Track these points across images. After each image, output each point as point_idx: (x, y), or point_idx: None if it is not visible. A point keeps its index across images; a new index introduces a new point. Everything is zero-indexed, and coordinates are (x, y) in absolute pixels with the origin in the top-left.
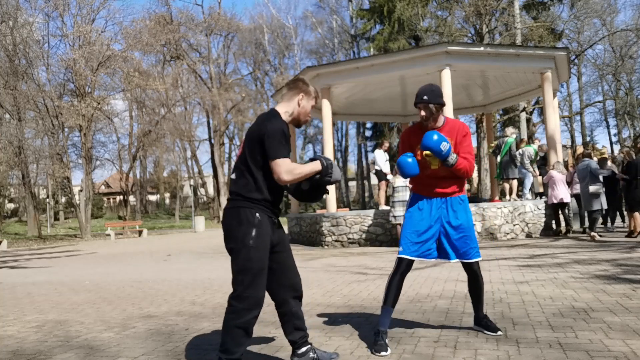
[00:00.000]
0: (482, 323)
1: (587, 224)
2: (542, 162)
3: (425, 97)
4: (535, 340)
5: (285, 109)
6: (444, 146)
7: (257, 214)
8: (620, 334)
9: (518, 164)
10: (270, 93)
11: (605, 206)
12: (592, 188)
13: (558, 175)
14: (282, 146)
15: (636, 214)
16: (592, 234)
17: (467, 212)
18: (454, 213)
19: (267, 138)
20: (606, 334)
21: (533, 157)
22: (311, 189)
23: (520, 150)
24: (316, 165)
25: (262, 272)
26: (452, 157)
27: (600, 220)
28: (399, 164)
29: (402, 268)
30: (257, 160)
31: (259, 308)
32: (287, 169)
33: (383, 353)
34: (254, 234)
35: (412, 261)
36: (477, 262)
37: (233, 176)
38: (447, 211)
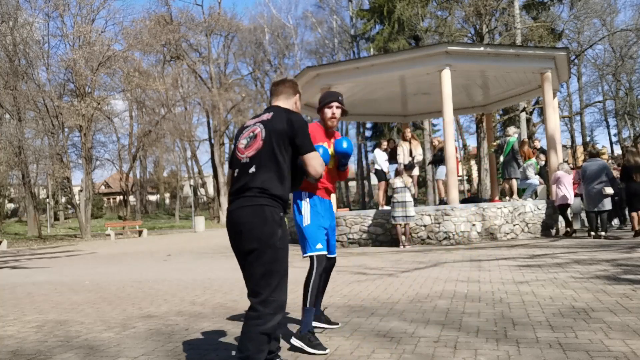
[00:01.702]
0: (322, 318)
1: (598, 223)
2: (543, 164)
3: (340, 98)
4: (535, 340)
5: (287, 107)
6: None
7: (281, 213)
8: (620, 334)
9: (521, 176)
10: None
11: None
12: (608, 189)
13: (565, 175)
14: (311, 140)
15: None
16: (603, 233)
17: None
18: (333, 212)
19: (300, 132)
20: (606, 334)
21: (537, 169)
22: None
23: (522, 167)
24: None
25: (287, 274)
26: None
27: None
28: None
29: (324, 263)
30: (282, 154)
31: (283, 312)
32: (320, 161)
33: (328, 350)
34: (279, 233)
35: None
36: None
37: (252, 169)
38: (330, 212)
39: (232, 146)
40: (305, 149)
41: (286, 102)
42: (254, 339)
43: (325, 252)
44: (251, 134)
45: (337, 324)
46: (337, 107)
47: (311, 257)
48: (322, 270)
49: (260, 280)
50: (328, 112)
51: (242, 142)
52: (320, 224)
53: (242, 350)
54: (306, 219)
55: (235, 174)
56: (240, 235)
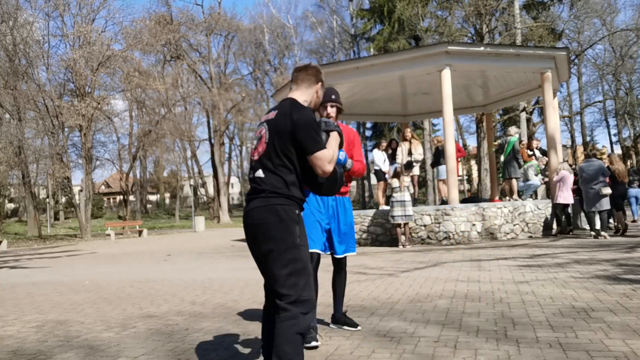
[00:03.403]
0: (341, 320)
1: (597, 224)
2: (544, 167)
3: (333, 97)
4: (535, 340)
5: (304, 98)
6: (342, 155)
7: (297, 210)
8: (621, 333)
9: (522, 178)
10: (270, 93)
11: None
12: (605, 189)
13: (569, 176)
14: (318, 137)
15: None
16: (603, 233)
17: (352, 211)
18: (344, 212)
19: (299, 131)
20: (606, 334)
21: (537, 170)
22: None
23: (523, 168)
24: (336, 137)
25: (310, 271)
26: (349, 163)
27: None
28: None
29: (314, 263)
30: (288, 155)
31: (314, 309)
32: (329, 159)
33: (313, 343)
34: (298, 231)
35: (320, 255)
36: (347, 257)
37: (260, 173)
38: (338, 210)
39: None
40: (309, 149)
41: (306, 91)
42: (292, 340)
43: (317, 251)
44: (259, 134)
45: (358, 326)
46: (332, 107)
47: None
48: (314, 268)
49: (286, 281)
50: (323, 114)
51: (254, 142)
52: (313, 221)
53: (281, 356)
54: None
55: (249, 175)
56: (256, 237)
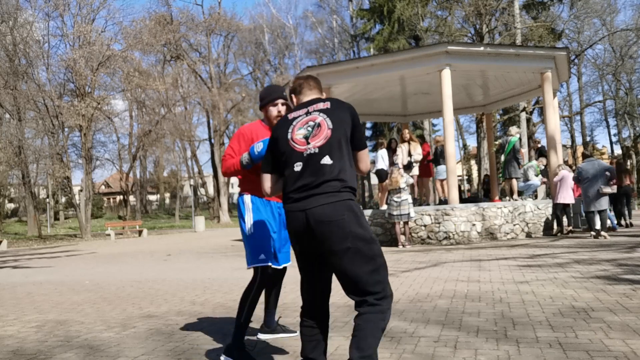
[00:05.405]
0: (279, 329)
1: (597, 224)
2: (543, 168)
3: (285, 94)
4: (535, 340)
5: None
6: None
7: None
8: (621, 333)
9: (522, 177)
10: None
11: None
12: (606, 188)
13: (569, 175)
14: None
15: None
16: (603, 233)
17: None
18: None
19: (359, 125)
20: (606, 334)
21: (537, 171)
22: None
23: (523, 169)
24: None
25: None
26: None
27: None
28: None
29: (270, 277)
30: (348, 145)
31: None
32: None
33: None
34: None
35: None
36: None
37: (326, 160)
38: (277, 216)
39: (275, 140)
40: (362, 144)
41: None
42: (377, 335)
43: (270, 264)
44: (311, 122)
45: (295, 331)
46: (283, 104)
47: (255, 269)
48: (266, 284)
49: (370, 278)
50: (273, 111)
51: (300, 133)
52: (266, 231)
53: (365, 349)
54: (248, 225)
55: (298, 168)
56: (328, 236)
